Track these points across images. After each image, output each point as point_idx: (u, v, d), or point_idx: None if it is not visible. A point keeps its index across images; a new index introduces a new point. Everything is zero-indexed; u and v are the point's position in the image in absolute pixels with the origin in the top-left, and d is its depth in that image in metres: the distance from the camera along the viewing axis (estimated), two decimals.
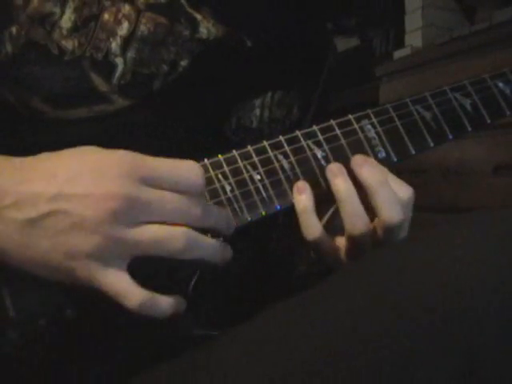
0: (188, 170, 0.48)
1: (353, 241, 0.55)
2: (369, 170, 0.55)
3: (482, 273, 0.42)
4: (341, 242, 0.57)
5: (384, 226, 0.54)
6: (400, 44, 1.71)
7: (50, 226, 0.45)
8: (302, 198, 0.55)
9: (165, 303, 0.47)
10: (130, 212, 0.46)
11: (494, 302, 0.41)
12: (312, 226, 0.55)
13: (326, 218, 0.59)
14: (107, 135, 0.59)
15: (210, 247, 0.49)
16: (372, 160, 0.57)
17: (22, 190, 0.45)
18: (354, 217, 0.54)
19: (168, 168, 0.48)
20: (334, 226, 0.57)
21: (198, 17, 0.62)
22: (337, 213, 0.56)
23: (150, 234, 0.47)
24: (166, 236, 0.47)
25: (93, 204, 0.45)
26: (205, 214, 0.49)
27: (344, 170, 0.56)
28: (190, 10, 0.62)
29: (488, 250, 0.43)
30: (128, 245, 0.46)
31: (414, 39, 1.64)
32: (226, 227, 0.51)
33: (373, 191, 0.54)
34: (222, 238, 0.53)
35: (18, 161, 0.48)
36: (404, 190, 0.56)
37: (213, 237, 0.51)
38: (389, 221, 0.54)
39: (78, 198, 0.45)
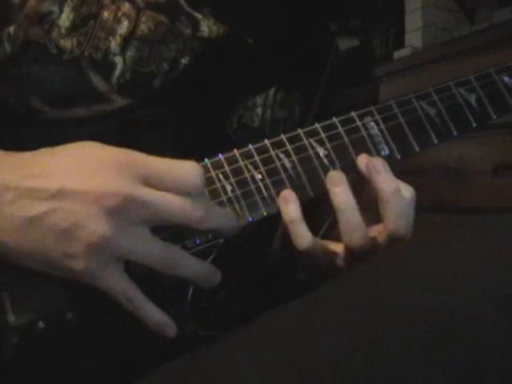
0: (187, 171, 0.48)
1: (350, 250, 0.54)
2: (385, 177, 0.54)
3: (483, 278, 0.42)
4: (337, 248, 0.56)
5: (389, 236, 0.54)
6: (400, 44, 1.71)
7: (50, 224, 0.45)
8: (289, 208, 0.53)
9: (155, 311, 0.48)
10: (129, 211, 0.46)
11: (497, 306, 0.41)
12: (302, 236, 0.53)
13: (325, 226, 0.59)
14: (107, 135, 0.58)
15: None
16: (387, 166, 0.55)
17: (22, 186, 0.45)
18: (352, 228, 0.53)
19: (168, 168, 0.48)
20: (336, 233, 0.56)
21: (199, 16, 0.62)
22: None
23: (147, 239, 0.47)
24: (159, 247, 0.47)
25: (92, 201, 0.45)
26: (206, 215, 0.49)
27: (344, 179, 0.54)
28: (189, 10, 0.61)
29: (489, 254, 0.43)
30: (125, 247, 0.46)
31: (414, 39, 1.64)
32: (228, 227, 0.51)
33: (385, 200, 0.53)
34: (222, 240, 0.53)
35: (18, 156, 0.48)
36: (405, 191, 0.55)
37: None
38: (396, 232, 0.53)
39: (78, 194, 0.45)
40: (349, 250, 0.54)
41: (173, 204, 0.47)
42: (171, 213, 0.47)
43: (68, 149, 0.48)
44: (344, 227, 0.53)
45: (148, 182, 0.47)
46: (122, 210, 0.45)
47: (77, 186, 0.45)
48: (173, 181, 0.47)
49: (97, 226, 0.45)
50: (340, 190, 0.54)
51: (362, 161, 0.55)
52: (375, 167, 0.54)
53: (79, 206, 0.45)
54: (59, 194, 0.45)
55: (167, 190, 0.47)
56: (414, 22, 1.64)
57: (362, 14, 1.87)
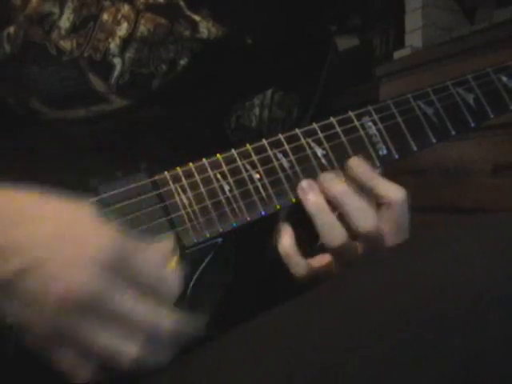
0: (172, 281, 0.46)
1: (335, 253, 0.54)
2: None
3: (483, 277, 0.42)
4: (330, 258, 0.56)
5: (360, 236, 0.53)
6: (400, 44, 1.71)
7: (18, 293, 0.42)
8: (283, 241, 0.54)
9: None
10: (93, 310, 0.43)
11: (497, 306, 0.41)
12: (298, 265, 0.54)
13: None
14: (106, 136, 0.59)
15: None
16: (338, 171, 0.55)
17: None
18: (327, 228, 0.53)
19: (153, 269, 0.45)
20: None
21: (197, 18, 0.62)
22: None
23: (105, 340, 0.44)
24: (119, 348, 0.44)
25: (59, 288, 0.42)
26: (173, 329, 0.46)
27: (315, 186, 0.54)
28: (188, 13, 0.62)
29: (488, 254, 0.43)
30: (79, 341, 0.44)
31: (414, 39, 1.64)
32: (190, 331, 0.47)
33: (340, 203, 0.53)
34: (221, 239, 0.53)
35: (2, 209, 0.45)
36: (394, 192, 0.54)
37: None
38: (362, 230, 0.52)
39: (49, 274, 0.42)
40: (333, 252, 0.54)
41: (140, 316, 0.44)
42: (136, 325, 0.44)
43: (54, 217, 0.44)
44: (320, 228, 0.53)
45: (128, 277, 0.44)
46: (85, 308, 0.42)
47: (49, 267, 0.42)
48: (154, 285, 0.45)
49: (53, 315, 0.42)
50: (310, 196, 0.53)
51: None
52: (325, 178, 0.54)
53: (45, 285, 0.42)
54: (21, 275, 0.42)
55: (144, 285, 0.45)
56: (414, 21, 1.64)
57: (361, 13, 1.88)
